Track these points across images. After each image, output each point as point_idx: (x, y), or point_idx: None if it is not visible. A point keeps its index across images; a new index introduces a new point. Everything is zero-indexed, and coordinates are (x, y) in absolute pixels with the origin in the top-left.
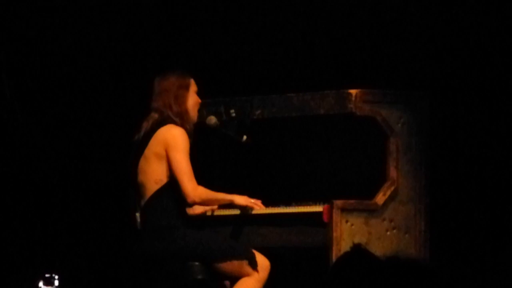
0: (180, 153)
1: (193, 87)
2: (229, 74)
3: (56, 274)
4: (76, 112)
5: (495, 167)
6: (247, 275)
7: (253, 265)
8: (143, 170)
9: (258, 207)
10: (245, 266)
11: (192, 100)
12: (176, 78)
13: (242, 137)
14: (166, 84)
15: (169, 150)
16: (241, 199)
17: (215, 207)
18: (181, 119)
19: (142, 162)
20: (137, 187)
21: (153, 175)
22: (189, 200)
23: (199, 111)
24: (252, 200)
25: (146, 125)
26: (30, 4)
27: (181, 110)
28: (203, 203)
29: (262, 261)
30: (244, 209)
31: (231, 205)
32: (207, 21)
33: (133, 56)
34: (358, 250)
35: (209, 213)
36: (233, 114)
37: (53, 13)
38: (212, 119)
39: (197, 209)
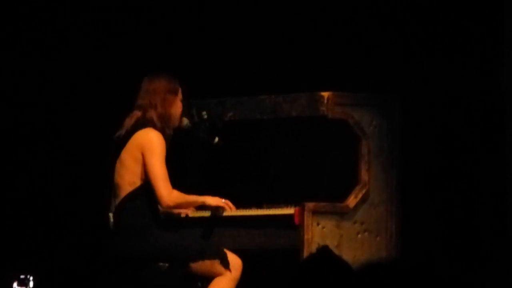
0: (155, 158)
1: (179, 95)
2: (201, 76)
3: (30, 275)
4: (51, 108)
5: (467, 168)
6: (220, 274)
7: (225, 264)
8: (118, 171)
9: (228, 207)
10: (217, 265)
11: (177, 107)
12: (167, 82)
13: (214, 139)
14: (155, 85)
15: (145, 154)
16: (212, 200)
17: (192, 209)
18: (162, 122)
19: (118, 164)
20: (112, 188)
21: (128, 176)
22: (164, 205)
23: None
24: (223, 200)
25: (128, 122)
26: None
27: (165, 113)
28: (177, 207)
29: (234, 260)
30: (215, 210)
31: (202, 206)
32: (180, 22)
33: (107, 55)
34: (324, 252)
35: (183, 215)
36: (205, 116)
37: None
38: (184, 121)
39: (181, 211)
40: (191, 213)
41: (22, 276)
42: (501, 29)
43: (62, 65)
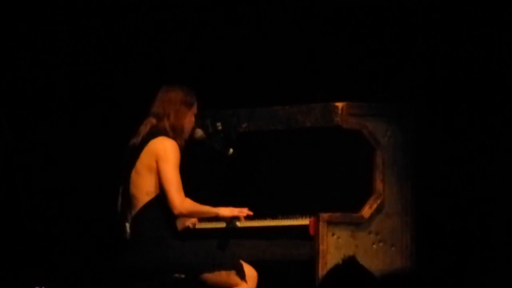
0: (169, 165)
1: (194, 109)
2: (215, 87)
3: (44, 287)
4: (65, 114)
5: (482, 179)
6: (235, 285)
7: (241, 275)
8: (134, 181)
9: (244, 214)
10: (233, 276)
11: (190, 120)
12: (184, 93)
13: (229, 150)
14: (172, 95)
15: (159, 161)
16: (226, 211)
17: (196, 221)
18: (174, 133)
19: (133, 174)
20: (128, 198)
21: (144, 186)
22: (176, 211)
23: None
24: (238, 209)
25: (144, 130)
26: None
27: (177, 124)
28: (189, 215)
29: (249, 271)
30: (230, 221)
31: (216, 218)
32: (194, 34)
33: (120, 65)
34: (350, 262)
35: (191, 226)
36: (220, 127)
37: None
38: (198, 132)
39: (187, 223)
40: (197, 224)
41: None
42: None
43: (76, 70)
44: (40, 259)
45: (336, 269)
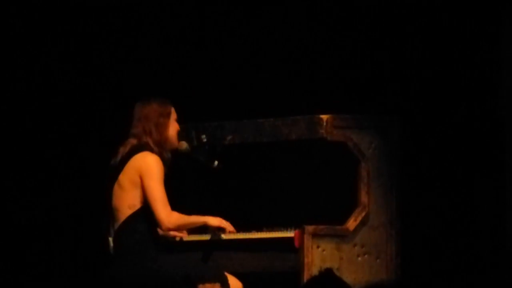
0: (154, 181)
1: (173, 115)
2: (200, 99)
3: None
4: (54, 130)
5: (467, 191)
6: None
7: (226, 287)
8: (117, 195)
9: (230, 228)
10: None
11: (173, 128)
12: (158, 106)
13: (213, 162)
14: (147, 111)
15: (144, 177)
16: (215, 220)
17: (185, 234)
18: (159, 147)
19: (116, 187)
20: (111, 211)
21: (127, 200)
22: (164, 227)
23: None
24: (225, 222)
25: (123, 150)
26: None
27: (161, 138)
28: (178, 228)
29: (234, 283)
30: (215, 233)
31: (204, 227)
32: (179, 46)
33: (106, 79)
34: (326, 274)
35: (178, 239)
36: (204, 140)
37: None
38: (183, 145)
39: (176, 234)
40: (186, 237)
41: None
42: (498, 44)
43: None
44: (24, 274)
45: (313, 281)
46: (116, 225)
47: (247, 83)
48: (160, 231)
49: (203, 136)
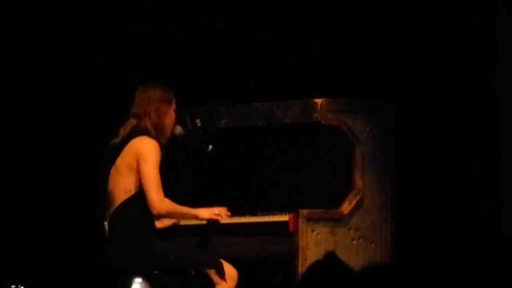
0: (150, 165)
1: (173, 105)
2: (194, 83)
3: (22, 285)
4: (48, 113)
5: (461, 174)
6: (215, 284)
7: (221, 274)
8: (113, 178)
9: (222, 218)
10: (212, 275)
11: (170, 116)
12: (161, 91)
13: (208, 146)
14: (150, 94)
15: (140, 161)
16: (204, 213)
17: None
18: (156, 131)
19: (113, 170)
20: (106, 195)
21: (122, 184)
22: (154, 211)
23: None
24: (216, 211)
25: (123, 132)
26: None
27: (159, 122)
28: (167, 215)
29: (229, 270)
30: (210, 220)
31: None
32: (173, 30)
33: (100, 64)
34: (330, 258)
35: (176, 223)
36: (199, 124)
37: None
38: (178, 129)
39: (166, 222)
40: (183, 221)
41: (13, 286)
42: (493, 32)
43: (58, 72)
44: (18, 259)
45: (316, 265)
46: (111, 210)
47: (241, 67)
48: (157, 224)
49: (198, 121)
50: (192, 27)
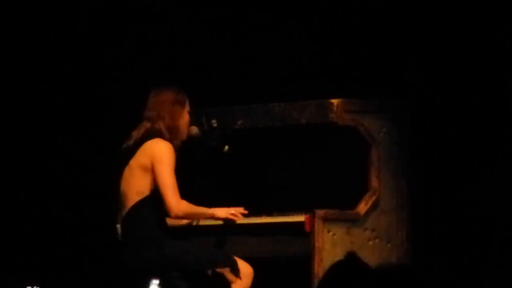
0: (165, 167)
1: (187, 107)
2: (210, 84)
3: (37, 285)
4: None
5: (478, 175)
6: (231, 282)
7: (236, 272)
8: (126, 180)
9: (238, 218)
10: (227, 273)
11: (185, 119)
12: (175, 94)
13: (224, 147)
14: (163, 97)
15: (155, 163)
16: (221, 212)
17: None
18: (170, 134)
19: (126, 172)
20: (119, 197)
21: (135, 186)
22: (172, 214)
23: None
24: (233, 211)
25: (136, 134)
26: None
27: (173, 125)
28: (185, 217)
29: (245, 268)
30: (226, 220)
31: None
32: (189, 32)
33: (113, 66)
34: (351, 258)
35: (193, 223)
36: (215, 124)
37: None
38: (194, 129)
39: (183, 220)
40: (199, 221)
41: (29, 286)
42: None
43: (73, 75)
44: (33, 260)
45: (337, 265)
46: (124, 212)
47: (258, 67)
48: (169, 221)
49: (214, 121)
50: (208, 28)
